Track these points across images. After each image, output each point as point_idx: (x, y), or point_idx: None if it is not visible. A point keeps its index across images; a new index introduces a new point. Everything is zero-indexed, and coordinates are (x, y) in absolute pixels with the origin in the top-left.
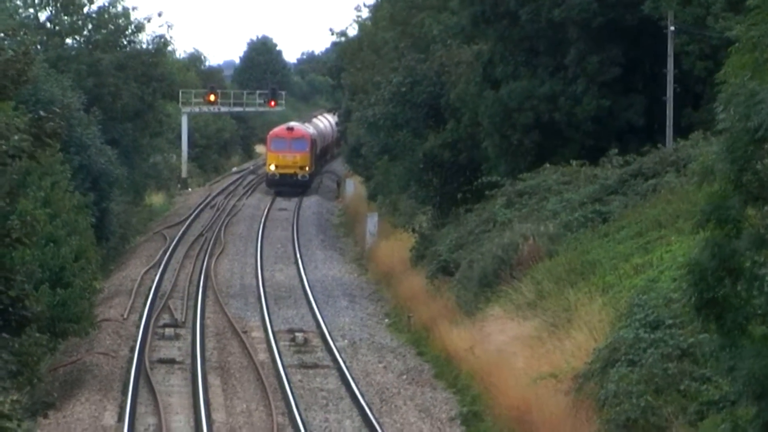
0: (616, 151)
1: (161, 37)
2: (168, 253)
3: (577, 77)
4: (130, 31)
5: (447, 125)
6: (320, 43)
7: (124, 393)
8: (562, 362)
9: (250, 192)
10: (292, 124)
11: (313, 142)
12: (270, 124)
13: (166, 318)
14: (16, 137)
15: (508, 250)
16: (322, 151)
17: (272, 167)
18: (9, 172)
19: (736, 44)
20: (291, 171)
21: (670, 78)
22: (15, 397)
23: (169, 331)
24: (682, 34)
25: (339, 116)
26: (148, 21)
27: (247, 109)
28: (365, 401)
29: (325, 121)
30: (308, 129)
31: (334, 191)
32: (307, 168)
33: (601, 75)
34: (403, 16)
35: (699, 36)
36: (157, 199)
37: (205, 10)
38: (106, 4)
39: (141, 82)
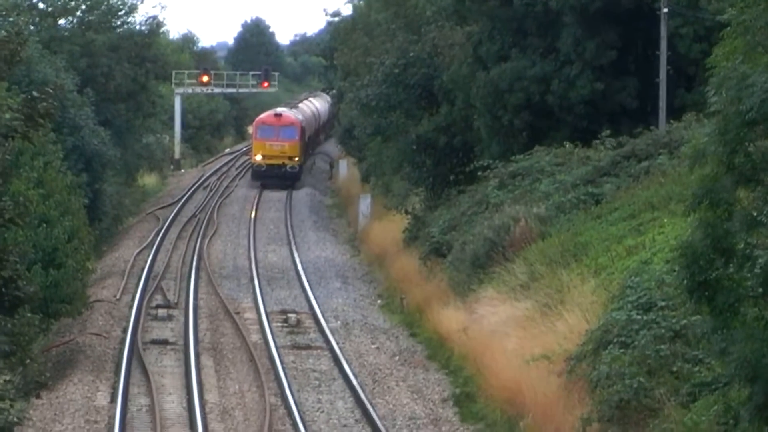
0: (609, 132)
1: (154, 18)
2: (161, 234)
3: (571, 61)
4: (123, 11)
5: (440, 108)
6: (313, 24)
7: (117, 374)
8: (555, 344)
9: (243, 173)
10: (281, 110)
11: (303, 129)
12: (263, 105)
13: (158, 299)
14: (7, 116)
15: (500, 231)
16: (309, 139)
17: (258, 157)
18: (2, 152)
19: (728, 28)
20: (279, 161)
21: (663, 60)
22: (7, 378)
23: (161, 312)
24: (676, 16)
25: (332, 97)
26: (141, 2)
27: (240, 90)
28: (358, 382)
29: (312, 106)
30: (297, 116)
31: (326, 172)
32: (296, 158)
33: (597, 59)
34: None
35: (692, 18)
36: (150, 180)
37: None
38: None
39: (134, 63)
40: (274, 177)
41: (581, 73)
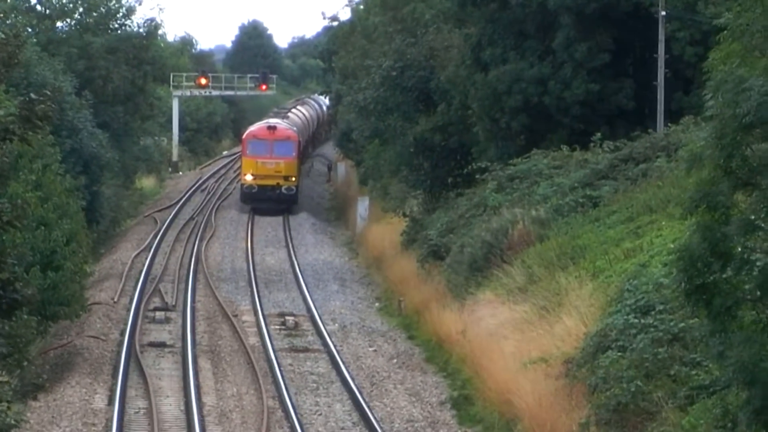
0: (599, 135)
1: (152, 20)
2: (159, 237)
3: (564, 62)
4: (121, 14)
5: (437, 109)
6: (311, 27)
7: (115, 376)
8: (552, 347)
9: (240, 175)
10: (274, 121)
11: (299, 144)
12: (261, 107)
13: (156, 301)
14: (1, 112)
15: (498, 234)
16: (303, 153)
17: (248, 177)
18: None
19: (725, 32)
20: (273, 182)
21: (660, 63)
22: (5, 380)
23: (159, 314)
24: (673, 19)
25: (330, 100)
26: (139, 4)
27: (238, 92)
28: (355, 385)
29: (301, 115)
30: (292, 128)
31: (324, 175)
32: (293, 178)
33: (589, 61)
34: (394, 1)
35: (689, 21)
36: (147, 182)
37: None
38: None
39: (132, 65)
40: (267, 200)
41: (576, 74)
